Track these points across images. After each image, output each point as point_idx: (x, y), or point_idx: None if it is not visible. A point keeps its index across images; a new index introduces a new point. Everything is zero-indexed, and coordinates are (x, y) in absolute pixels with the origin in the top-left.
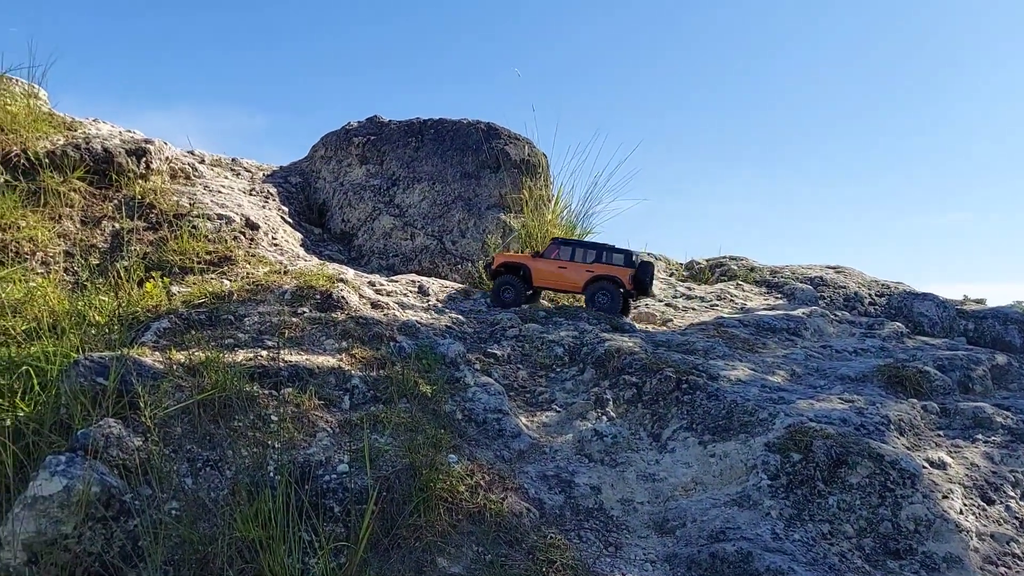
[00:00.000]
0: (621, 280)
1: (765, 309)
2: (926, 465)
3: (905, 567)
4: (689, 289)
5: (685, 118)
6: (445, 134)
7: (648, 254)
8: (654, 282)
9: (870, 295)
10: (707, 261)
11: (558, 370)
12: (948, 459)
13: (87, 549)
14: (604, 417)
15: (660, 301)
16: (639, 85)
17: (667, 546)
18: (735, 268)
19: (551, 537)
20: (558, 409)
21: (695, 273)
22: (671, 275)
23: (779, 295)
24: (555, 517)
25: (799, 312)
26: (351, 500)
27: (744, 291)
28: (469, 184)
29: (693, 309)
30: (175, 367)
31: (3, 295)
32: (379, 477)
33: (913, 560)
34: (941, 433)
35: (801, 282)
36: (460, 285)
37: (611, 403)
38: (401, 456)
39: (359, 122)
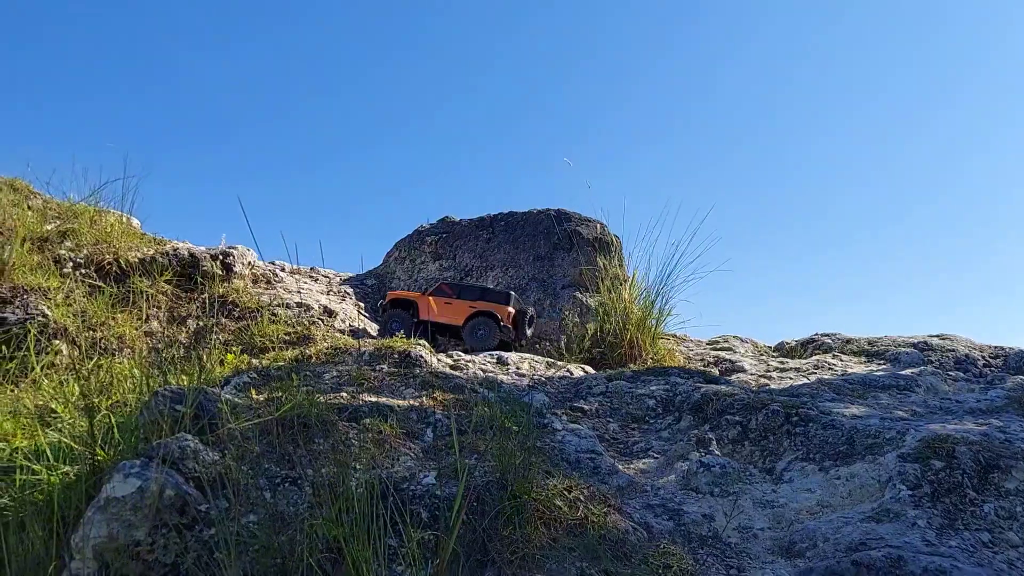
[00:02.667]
0: (499, 316)
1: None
2: None
3: None
4: (782, 363)
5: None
6: (515, 224)
7: (735, 337)
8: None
9: (983, 357)
10: (797, 341)
11: (651, 421)
12: None
13: (160, 559)
14: (709, 455)
15: (752, 374)
16: (707, 152)
17: (797, 567)
18: (829, 342)
19: (665, 547)
20: (655, 456)
21: (785, 353)
22: (760, 355)
23: (881, 361)
24: (666, 541)
25: (908, 372)
26: (439, 507)
27: (842, 360)
28: (543, 266)
29: (790, 378)
30: (254, 400)
31: (93, 380)
32: (469, 488)
33: None
34: None
35: (904, 348)
36: (541, 358)
37: (715, 443)
38: (491, 471)
39: (430, 224)
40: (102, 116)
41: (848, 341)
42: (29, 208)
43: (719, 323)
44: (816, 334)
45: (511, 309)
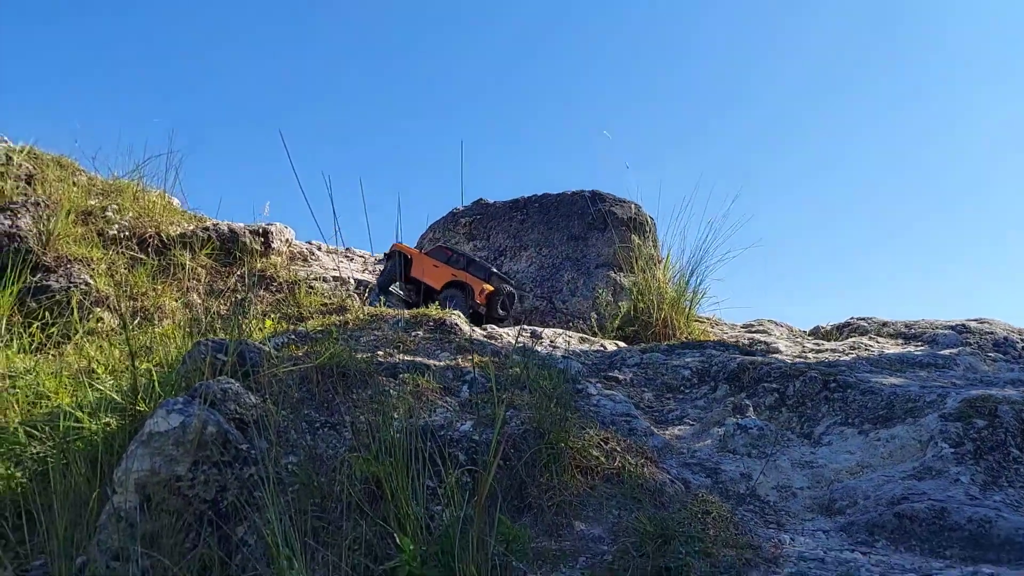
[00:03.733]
0: (473, 290)
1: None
2: None
3: None
4: (818, 344)
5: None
6: (549, 205)
7: (770, 321)
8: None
9: (1022, 339)
10: (832, 325)
11: (686, 391)
12: None
13: (200, 494)
14: (746, 419)
15: (788, 355)
16: (740, 130)
17: (838, 522)
18: (865, 325)
19: (703, 496)
20: (691, 423)
21: (821, 336)
22: (796, 338)
23: (919, 343)
24: (704, 493)
25: (946, 352)
26: (477, 450)
27: (879, 342)
28: (576, 246)
29: (826, 358)
30: (293, 353)
31: (135, 341)
32: (506, 435)
33: None
34: None
35: (942, 330)
36: (575, 334)
37: (751, 409)
38: (528, 421)
39: (465, 206)
40: (151, 91)
41: (884, 324)
42: (74, 184)
43: (752, 306)
44: (852, 318)
45: (487, 287)
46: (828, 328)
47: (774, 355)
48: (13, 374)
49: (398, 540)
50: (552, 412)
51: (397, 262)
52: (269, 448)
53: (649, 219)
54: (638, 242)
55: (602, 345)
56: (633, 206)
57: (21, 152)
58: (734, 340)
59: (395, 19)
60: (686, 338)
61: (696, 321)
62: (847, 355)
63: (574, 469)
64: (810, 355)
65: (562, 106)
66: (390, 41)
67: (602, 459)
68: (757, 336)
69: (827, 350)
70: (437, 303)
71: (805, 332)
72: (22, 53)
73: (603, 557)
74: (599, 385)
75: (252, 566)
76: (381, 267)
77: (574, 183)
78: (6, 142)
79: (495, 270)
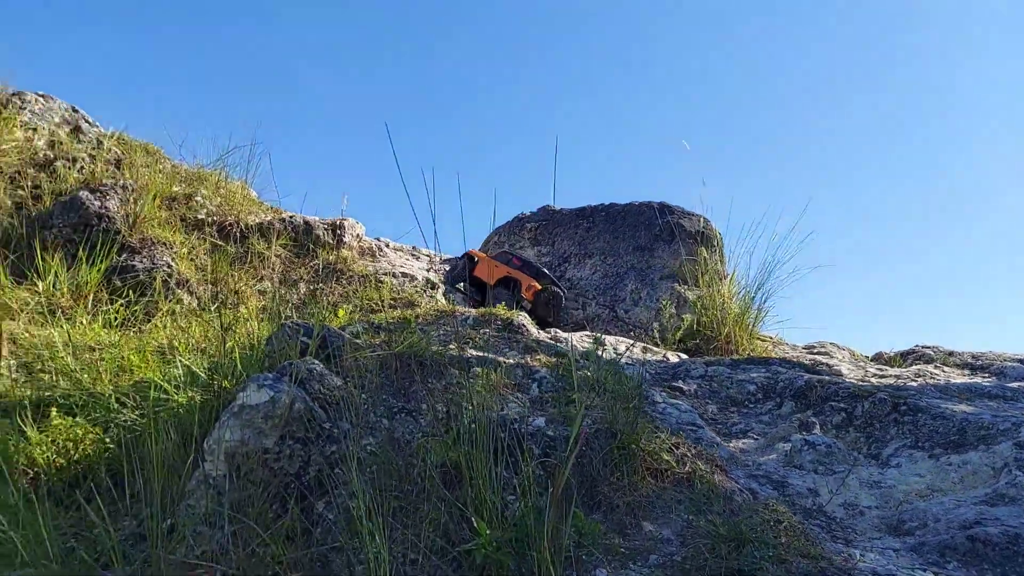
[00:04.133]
0: (521, 285)
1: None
2: None
3: None
4: (881, 370)
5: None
6: (616, 215)
7: (831, 343)
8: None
9: None
10: (896, 352)
11: (751, 405)
12: None
13: (285, 468)
14: (813, 436)
15: (851, 379)
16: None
17: (907, 543)
18: (930, 353)
19: (774, 506)
20: (755, 437)
21: (884, 363)
22: (858, 363)
23: (986, 374)
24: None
25: (1015, 384)
26: (551, 445)
27: (944, 371)
28: (642, 256)
29: (889, 383)
30: (370, 341)
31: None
32: (579, 431)
33: None
34: None
35: (1011, 362)
36: (637, 343)
37: (818, 427)
38: (599, 421)
39: (531, 212)
40: (238, 84)
41: (951, 354)
42: (160, 171)
43: (812, 327)
44: (916, 345)
45: (535, 283)
46: (891, 354)
47: (837, 377)
48: (99, 347)
49: (475, 524)
50: (624, 414)
51: (464, 263)
52: (350, 429)
53: (717, 233)
54: (705, 256)
55: (665, 356)
56: (702, 219)
57: (111, 137)
58: (796, 360)
59: (479, 21)
60: (748, 355)
61: (759, 339)
62: (913, 382)
63: (644, 471)
64: (873, 379)
65: (635, 113)
66: (473, 43)
67: (673, 463)
68: (819, 357)
69: (891, 376)
70: (503, 303)
71: (867, 357)
72: (122, 46)
73: (673, 557)
74: (664, 394)
75: (333, 538)
76: (447, 267)
77: (642, 194)
78: (97, 127)
79: (547, 272)
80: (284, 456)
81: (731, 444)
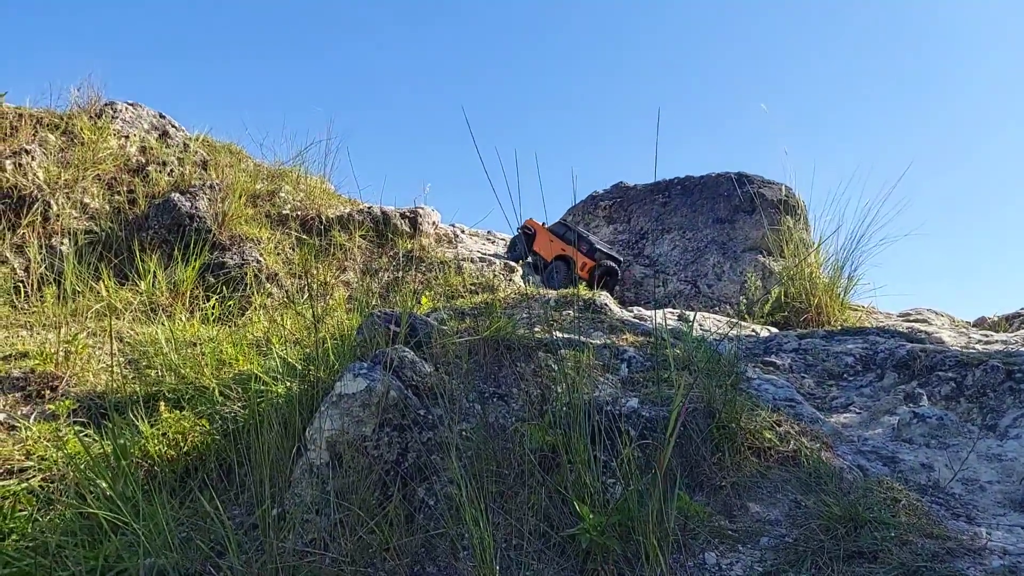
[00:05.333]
0: (574, 262)
1: None
2: None
3: None
4: (986, 335)
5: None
6: (693, 188)
7: (929, 310)
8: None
9: None
10: (1000, 316)
11: (849, 378)
12: None
13: (383, 455)
14: (922, 408)
15: (952, 346)
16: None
17: None
18: None
19: (888, 484)
20: (857, 411)
21: (987, 328)
22: (959, 329)
23: None
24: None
25: None
26: (647, 427)
27: None
28: (723, 228)
29: (997, 349)
30: (457, 327)
31: (308, 313)
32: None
33: None
34: None
35: None
36: (723, 317)
37: (925, 398)
38: (696, 400)
39: (604, 190)
40: (312, 79)
41: None
42: (243, 170)
43: (907, 294)
44: (1023, 308)
45: (588, 261)
46: (995, 319)
47: (940, 345)
48: (199, 342)
49: (578, 509)
50: (721, 392)
51: (522, 237)
52: (444, 414)
53: (801, 201)
54: (789, 225)
55: (753, 330)
56: (783, 188)
57: (197, 140)
58: (893, 328)
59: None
60: (840, 325)
61: (851, 309)
62: (1022, 346)
63: (746, 450)
64: (978, 346)
65: (709, 83)
66: (537, 28)
67: (776, 441)
68: (916, 325)
69: (998, 341)
70: (584, 284)
71: (968, 323)
72: (199, 50)
73: (784, 539)
74: (757, 369)
75: (436, 524)
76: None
77: (720, 166)
78: (183, 131)
79: (601, 247)
80: (383, 443)
81: (832, 419)
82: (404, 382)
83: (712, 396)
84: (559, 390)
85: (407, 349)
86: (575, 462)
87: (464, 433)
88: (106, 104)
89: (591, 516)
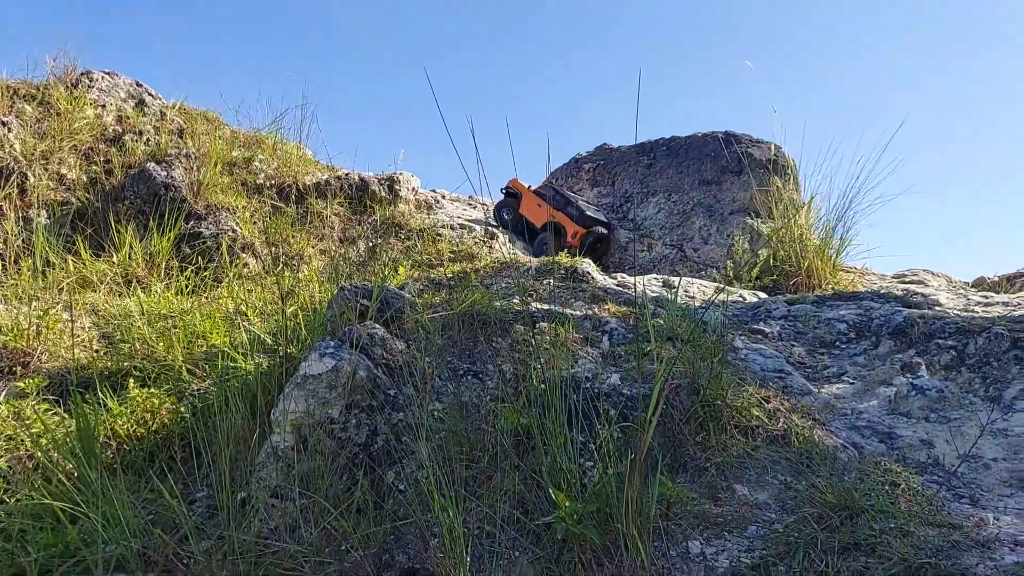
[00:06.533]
0: (567, 231)
1: None
2: None
3: None
4: (986, 297)
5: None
6: (678, 148)
7: (924, 270)
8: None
9: None
10: (1000, 276)
11: (842, 346)
12: None
13: (352, 437)
14: (920, 379)
15: (950, 309)
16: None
17: None
18: None
19: (886, 465)
20: (851, 381)
21: (986, 289)
22: (957, 290)
23: None
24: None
25: None
26: (628, 405)
27: None
28: (709, 190)
29: (998, 312)
30: (431, 300)
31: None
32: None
33: None
34: None
35: None
36: (709, 283)
37: (923, 368)
38: (679, 376)
39: (588, 152)
40: (286, 44)
41: None
42: (219, 137)
43: (900, 254)
44: None
45: (579, 229)
46: (995, 279)
47: (935, 308)
48: (173, 315)
49: (553, 496)
50: (706, 366)
51: (511, 201)
52: (415, 394)
53: (791, 161)
54: (778, 185)
55: (741, 296)
56: (772, 147)
57: (173, 108)
58: (885, 291)
59: None
60: (832, 289)
61: (842, 271)
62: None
63: (733, 429)
64: (977, 308)
65: (697, 40)
66: None
67: (764, 419)
68: (911, 287)
69: (998, 303)
70: (567, 252)
71: (967, 283)
72: (174, 17)
73: (773, 526)
74: (744, 339)
75: (405, 511)
76: (499, 203)
77: (708, 127)
78: (160, 99)
79: (592, 213)
80: (350, 426)
81: (824, 390)
82: (374, 360)
83: (697, 371)
84: (537, 366)
85: (377, 326)
86: (550, 445)
87: (436, 413)
88: (82, 73)
89: (567, 504)
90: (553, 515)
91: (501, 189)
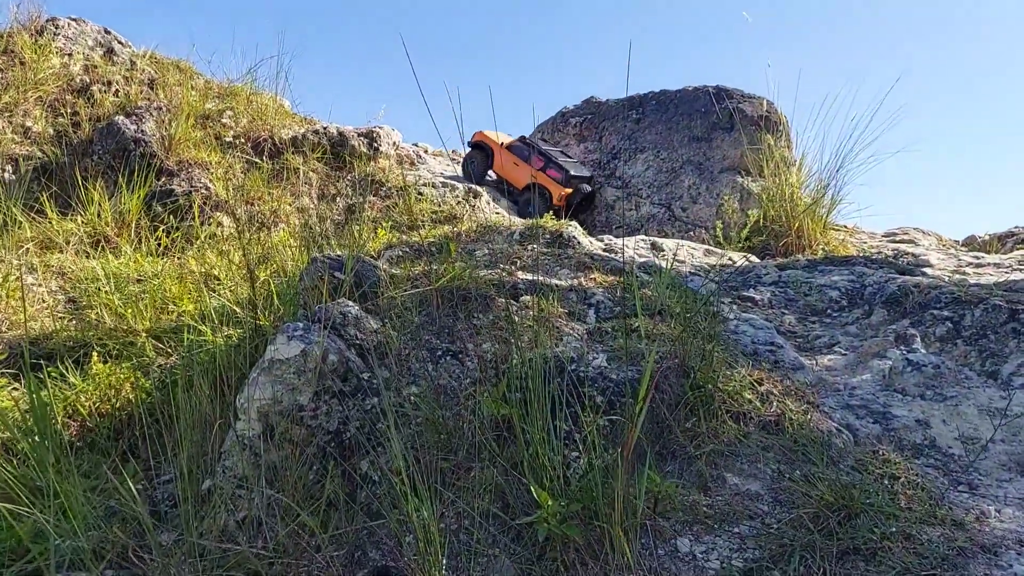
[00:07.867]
0: (552, 194)
1: None
2: None
3: None
4: (977, 258)
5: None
6: (668, 103)
7: (915, 229)
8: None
9: None
10: (991, 235)
11: (834, 314)
12: None
13: (323, 425)
14: (914, 353)
15: (942, 270)
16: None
17: None
18: None
19: (884, 454)
20: (843, 352)
21: (977, 248)
22: (948, 249)
23: None
24: (884, 448)
25: None
26: (614, 392)
27: None
28: (699, 147)
29: (990, 275)
30: (410, 272)
31: (254, 249)
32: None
33: None
34: None
35: None
36: (698, 245)
37: (918, 340)
38: (668, 357)
39: (575, 105)
40: None
41: None
42: (193, 88)
43: (890, 212)
44: (1016, 227)
45: (564, 191)
46: (986, 238)
47: (924, 269)
48: (142, 278)
49: (535, 493)
50: (696, 346)
51: (479, 155)
52: (390, 378)
53: (783, 117)
54: (770, 142)
55: (730, 258)
56: (764, 102)
57: (144, 57)
58: (876, 251)
59: None
60: (823, 249)
61: (833, 230)
62: (1017, 272)
63: (724, 414)
64: (969, 269)
65: None
66: None
67: (757, 403)
68: (902, 247)
69: (990, 264)
70: (552, 214)
71: (958, 243)
72: None
73: (766, 520)
74: (735, 307)
75: (377, 506)
76: (466, 156)
77: (696, 81)
78: (130, 47)
79: (574, 171)
80: (321, 413)
81: (816, 361)
82: (347, 341)
83: (687, 351)
84: (519, 344)
85: (350, 303)
86: (532, 436)
87: (412, 397)
88: (48, 20)
89: (550, 503)
90: (535, 515)
91: (467, 144)
